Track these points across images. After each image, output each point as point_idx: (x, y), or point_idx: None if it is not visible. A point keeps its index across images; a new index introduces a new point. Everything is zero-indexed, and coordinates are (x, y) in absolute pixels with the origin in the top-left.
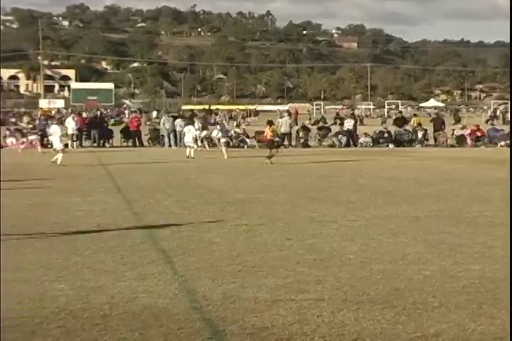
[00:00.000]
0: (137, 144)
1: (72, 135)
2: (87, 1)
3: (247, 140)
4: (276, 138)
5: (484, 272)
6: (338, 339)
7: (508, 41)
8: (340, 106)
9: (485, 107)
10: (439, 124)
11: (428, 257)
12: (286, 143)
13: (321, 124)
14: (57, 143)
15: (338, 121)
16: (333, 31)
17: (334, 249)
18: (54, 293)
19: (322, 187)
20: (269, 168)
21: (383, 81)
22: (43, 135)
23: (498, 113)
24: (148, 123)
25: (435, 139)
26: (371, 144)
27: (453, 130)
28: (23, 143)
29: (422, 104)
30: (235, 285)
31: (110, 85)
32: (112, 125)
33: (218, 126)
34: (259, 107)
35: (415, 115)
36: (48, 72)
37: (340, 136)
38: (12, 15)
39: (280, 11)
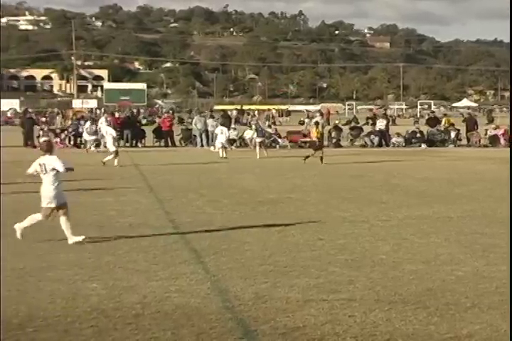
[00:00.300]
0: (169, 144)
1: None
2: (120, 1)
3: (279, 140)
4: (307, 139)
5: None
6: (370, 339)
7: None
8: (372, 106)
9: None
10: (471, 124)
11: (461, 258)
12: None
13: (353, 124)
14: (110, 145)
15: (370, 121)
16: (366, 31)
17: (366, 249)
18: (86, 293)
19: (354, 187)
20: (301, 167)
21: (416, 81)
22: (76, 135)
23: None
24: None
25: (468, 139)
26: (403, 144)
27: (486, 130)
28: (56, 142)
29: (454, 104)
30: (266, 285)
31: (143, 85)
32: (145, 125)
33: (254, 126)
34: (291, 107)
35: (445, 115)
36: (81, 73)
37: (372, 136)
38: (45, 16)
39: (312, 11)
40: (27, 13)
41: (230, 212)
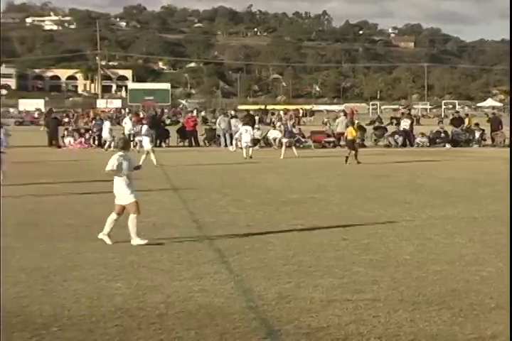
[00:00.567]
0: (193, 144)
1: (129, 135)
2: (144, 1)
3: (303, 140)
4: (331, 139)
5: None
6: (394, 339)
7: None
8: (397, 106)
9: None
10: (496, 124)
11: (485, 258)
12: (342, 143)
13: (377, 124)
14: (146, 144)
15: (395, 121)
16: (390, 31)
17: (390, 249)
18: (111, 292)
19: (378, 187)
20: (324, 167)
21: (440, 81)
22: (100, 135)
23: None
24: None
25: (492, 139)
26: (428, 144)
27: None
28: (80, 142)
29: (479, 104)
30: (290, 285)
31: (167, 85)
32: (169, 125)
33: (282, 127)
34: (315, 107)
35: (467, 115)
36: (106, 73)
37: (396, 136)
38: (70, 16)
39: (336, 11)
40: (52, 13)
41: (254, 211)
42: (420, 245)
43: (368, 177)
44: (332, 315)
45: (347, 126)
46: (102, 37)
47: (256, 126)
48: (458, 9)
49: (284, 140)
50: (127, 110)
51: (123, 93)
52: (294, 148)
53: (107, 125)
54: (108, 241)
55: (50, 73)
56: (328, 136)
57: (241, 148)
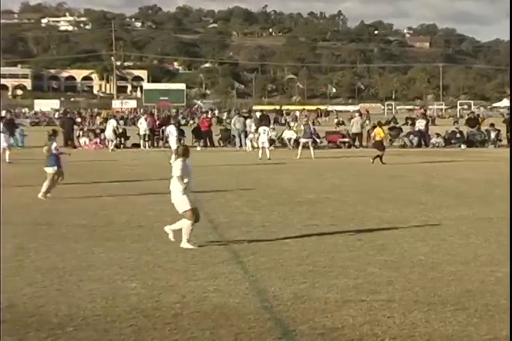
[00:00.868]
0: (208, 144)
1: (144, 135)
2: (159, 2)
3: (318, 140)
4: (346, 139)
5: None
6: (409, 340)
7: None
8: (412, 106)
9: None
10: None
11: (500, 259)
12: (357, 143)
13: (392, 124)
14: (173, 144)
15: (410, 122)
16: (405, 31)
17: (405, 250)
18: (126, 292)
19: (393, 188)
20: (339, 168)
21: (455, 81)
22: (116, 135)
23: None
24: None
25: (508, 140)
26: (443, 144)
27: None
28: (96, 143)
29: (494, 104)
30: (305, 286)
31: (182, 86)
32: (183, 125)
33: (303, 127)
34: (330, 107)
35: (478, 116)
36: (121, 73)
37: (411, 137)
38: (85, 17)
39: (351, 11)
40: (67, 14)
41: (269, 212)
42: (435, 246)
43: (383, 178)
44: (347, 315)
45: (362, 127)
46: (118, 37)
47: (271, 126)
48: (473, 9)
49: (303, 140)
50: (142, 110)
51: (138, 93)
52: (312, 148)
53: (111, 123)
54: (190, 246)
55: (65, 73)
56: (343, 136)
57: (257, 147)
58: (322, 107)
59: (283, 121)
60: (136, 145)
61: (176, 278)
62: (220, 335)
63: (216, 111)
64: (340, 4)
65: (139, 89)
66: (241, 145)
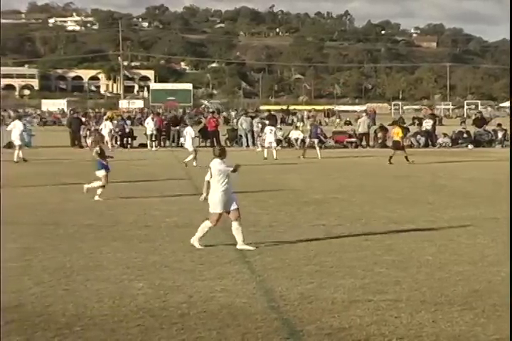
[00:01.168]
0: (215, 144)
1: (151, 135)
2: (166, 2)
3: (325, 140)
4: (353, 139)
5: None
6: (416, 340)
7: None
8: (419, 106)
9: None
10: None
11: (507, 259)
12: (363, 143)
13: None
14: (189, 145)
15: (417, 122)
16: (412, 31)
17: (412, 250)
18: (133, 292)
19: (400, 188)
20: (346, 168)
21: (462, 81)
22: (122, 135)
23: None
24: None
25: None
26: (450, 144)
27: None
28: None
29: (502, 104)
30: (312, 286)
31: (189, 86)
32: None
33: (309, 127)
34: (337, 107)
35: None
36: (128, 73)
37: (418, 137)
38: (93, 17)
39: (358, 11)
40: (74, 14)
41: (276, 212)
42: (442, 246)
43: (390, 178)
44: (354, 315)
45: (369, 127)
46: (125, 37)
47: (278, 126)
48: (480, 9)
49: (312, 140)
50: (147, 110)
51: (145, 93)
52: (318, 148)
53: (108, 125)
54: (197, 245)
55: (72, 73)
56: (350, 136)
57: (263, 146)
58: (328, 107)
59: (290, 121)
60: (143, 145)
61: (183, 277)
62: (227, 335)
63: (224, 113)
64: (348, 4)
65: (146, 89)
66: (248, 145)
